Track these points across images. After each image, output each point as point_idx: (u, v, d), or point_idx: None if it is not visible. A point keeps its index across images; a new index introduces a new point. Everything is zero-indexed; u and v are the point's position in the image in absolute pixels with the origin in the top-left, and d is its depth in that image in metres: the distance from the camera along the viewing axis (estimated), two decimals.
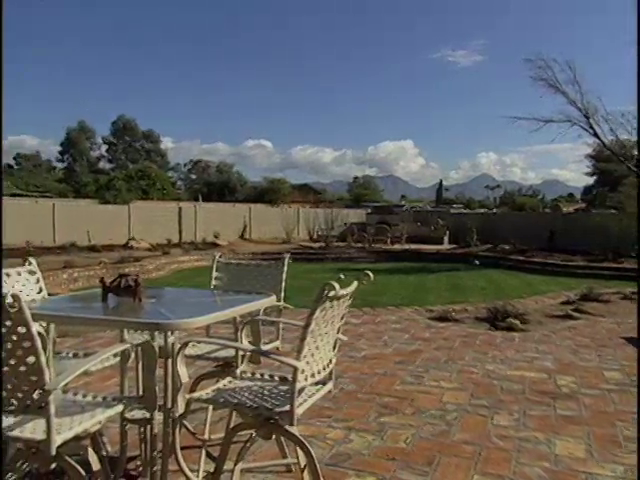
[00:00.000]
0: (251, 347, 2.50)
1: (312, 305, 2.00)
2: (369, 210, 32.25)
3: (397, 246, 22.61)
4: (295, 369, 2.02)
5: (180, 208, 24.70)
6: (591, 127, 16.54)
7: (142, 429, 2.74)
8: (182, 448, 2.61)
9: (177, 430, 2.45)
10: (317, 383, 2.32)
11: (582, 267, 14.45)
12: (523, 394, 4.25)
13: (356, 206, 41.12)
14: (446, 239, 23.93)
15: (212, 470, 2.73)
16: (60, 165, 64.86)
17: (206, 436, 3.03)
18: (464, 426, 3.58)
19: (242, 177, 62.12)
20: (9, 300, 1.66)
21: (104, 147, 65.83)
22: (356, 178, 77.12)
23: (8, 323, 1.73)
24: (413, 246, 22.00)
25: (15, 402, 1.84)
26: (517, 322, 6.76)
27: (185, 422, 2.92)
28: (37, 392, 1.80)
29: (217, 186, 56.31)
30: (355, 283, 2.23)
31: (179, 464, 2.52)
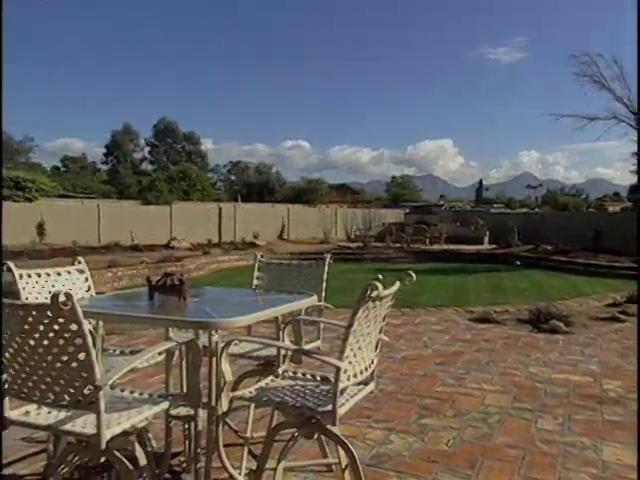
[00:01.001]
0: (294, 346, 2.52)
1: (355, 305, 2.00)
2: (407, 210, 32.03)
3: (436, 246, 22.38)
4: (338, 369, 2.03)
5: (220, 209, 25.03)
6: (638, 124, 16.04)
7: (186, 426, 2.79)
8: (224, 445, 2.65)
9: (220, 428, 2.49)
10: (359, 383, 2.32)
11: (629, 268, 14.00)
12: (568, 398, 4.16)
13: (394, 206, 40.89)
14: (486, 239, 23.56)
15: (254, 468, 2.77)
16: (105, 167, 66.62)
17: (248, 434, 3.07)
18: (507, 429, 3.52)
19: (281, 177, 62.53)
20: (62, 298, 1.72)
21: (147, 149, 67.32)
22: (394, 178, 76.65)
23: (61, 320, 1.79)
24: (452, 246, 21.74)
25: (67, 397, 1.90)
26: (561, 324, 6.61)
27: (227, 420, 2.96)
28: (88, 388, 1.86)
29: (256, 187, 56.83)
30: (397, 283, 2.22)
31: (222, 461, 2.56)
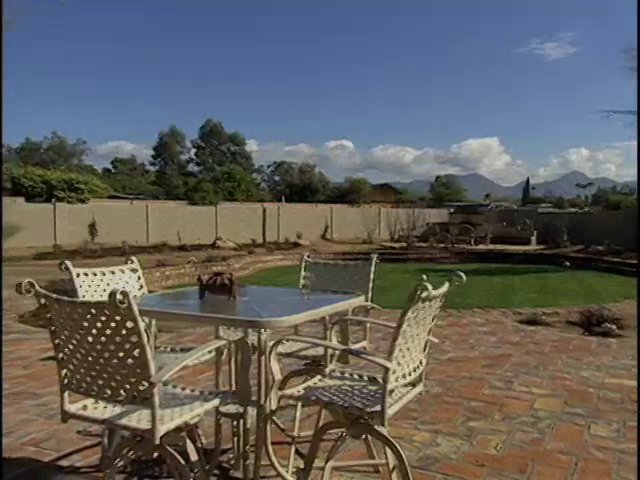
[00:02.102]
0: (342, 346, 2.52)
1: (404, 305, 1.99)
2: (452, 210, 31.61)
3: (481, 246, 22.02)
4: (386, 370, 2.02)
5: (264, 209, 25.26)
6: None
7: (235, 423, 2.83)
8: (272, 443, 2.68)
9: (268, 425, 2.52)
10: (407, 385, 2.31)
11: None
12: (622, 404, 4.02)
13: (438, 206, 40.43)
14: (533, 239, 23.04)
15: (301, 466, 2.79)
16: (153, 168, 68.23)
17: (295, 433, 3.09)
18: (558, 435, 3.43)
19: (324, 178, 62.66)
20: (119, 297, 1.77)
21: (193, 150, 68.58)
22: (438, 177, 75.74)
23: (117, 318, 1.85)
24: (498, 246, 21.36)
25: (123, 393, 1.96)
26: (614, 327, 6.40)
27: (274, 418, 2.99)
28: (143, 384, 1.91)
29: (299, 187, 57.15)
30: (446, 284, 2.20)
31: (270, 459, 2.59)
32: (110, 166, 69.33)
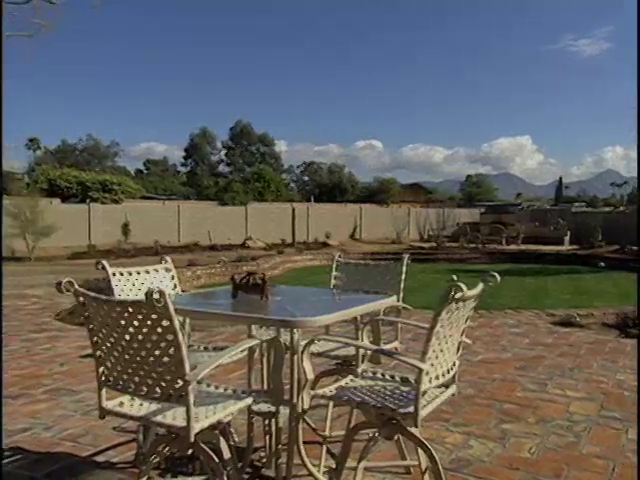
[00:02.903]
0: (374, 347, 2.52)
1: (438, 306, 1.98)
2: (483, 209, 31.25)
3: (513, 246, 21.72)
4: (420, 370, 2.02)
5: (294, 209, 25.37)
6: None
7: (267, 422, 2.85)
8: (303, 443, 2.69)
9: (300, 425, 2.53)
10: (440, 386, 2.29)
11: None
12: None
13: (469, 205, 40.00)
14: (567, 239, 22.62)
15: (332, 466, 2.80)
16: (184, 169, 69.14)
17: (326, 432, 3.09)
18: (594, 439, 3.37)
19: (353, 178, 62.59)
20: (155, 295, 1.80)
21: (223, 151, 69.26)
22: (469, 176, 74.89)
23: (154, 317, 1.88)
24: (530, 247, 21.03)
25: (158, 390, 1.99)
26: None
27: (306, 417, 3.00)
28: (178, 382, 1.94)
29: (328, 187, 57.21)
30: (480, 285, 2.18)
31: (302, 458, 2.60)
32: (142, 167, 70.49)
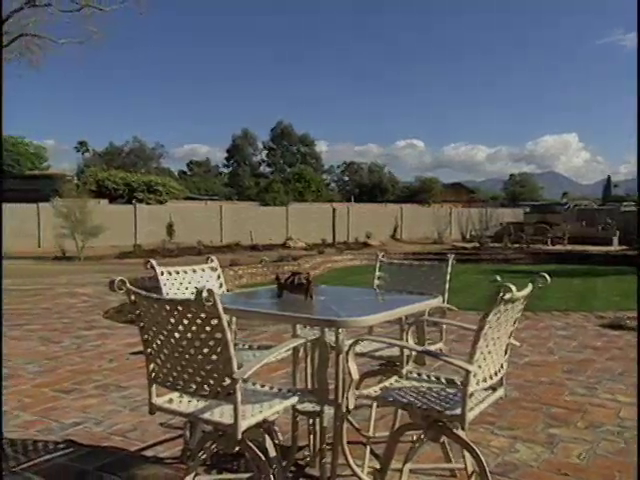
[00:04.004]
0: (421, 348, 2.50)
1: (486, 307, 1.95)
2: (527, 209, 30.60)
3: (559, 247, 21.18)
4: (467, 372, 1.99)
5: (334, 209, 25.40)
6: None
7: (311, 421, 2.86)
8: (347, 443, 2.68)
9: (344, 425, 2.53)
10: (487, 388, 2.26)
11: None
12: None
13: (512, 205, 39.25)
14: (615, 240, 21.93)
15: (376, 467, 2.79)
16: (226, 170, 70.13)
17: (370, 433, 3.09)
18: None
19: (393, 177, 62.21)
20: (205, 294, 1.84)
21: (264, 152, 69.93)
22: (512, 175, 73.47)
23: (203, 315, 1.91)
24: (577, 247, 20.46)
25: (207, 388, 2.03)
26: None
27: (349, 417, 3.01)
28: (226, 380, 1.97)
29: (369, 187, 57.03)
30: (530, 286, 2.14)
31: (346, 458, 2.60)
32: (186, 168, 71.83)
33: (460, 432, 2.16)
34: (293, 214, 26.55)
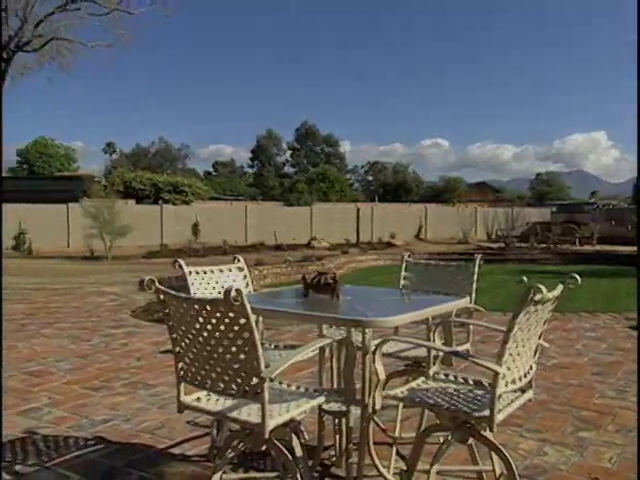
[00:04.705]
0: (449, 348, 2.49)
1: (516, 308, 1.93)
2: (554, 208, 30.18)
3: (587, 247, 20.84)
4: (496, 374, 1.97)
5: (358, 209, 25.36)
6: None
7: (337, 421, 2.86)
8: (373, 443, 2.68)
9: (370, 425, 2.53)
10: (515, 390, 2.24)
11: None
12: None
13: (539, 204, 38.72)
14: None
15: (403, 468, 2.78)
16: (251, 170, 70.53)
17: (396, 434, 3.08)
18: None
19: (417, 177, 61.85)
20: (233, 294, 1.85)
21: (288, 152, 70.15)
22: (539, 174, 72.43)
23: (231, 315, 1.93)
24: (606, 247, 20.10)
25: (234, 387, 2.04)
26: None
27: (375, 418, 3.00)
28: (254, 379, 1.98)
29: (393, 187, 56.81)
30: (560, 286, 2.11)
31: (372, 459, 2.60)
32: (211, 169, 72.45)
33: (488, 434, 2.14)
34: (317, 214, 26.58)
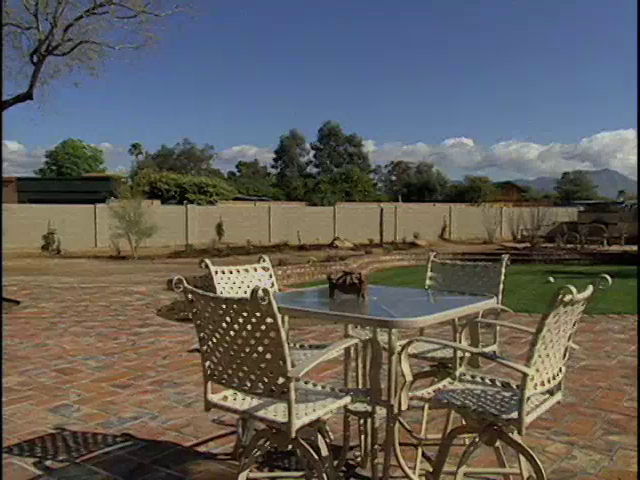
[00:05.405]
0: (476, 350, 2.47)
1: (545, 309, 1.91)
2: (581, 208, 29.66)
3: (615, 247, 20.44)
4: (524, 375, 1.95)
5: (381, 209, 25.27)
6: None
7: (362, 421, 2.86)
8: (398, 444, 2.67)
9: (396, 426, 2.52)
10: (544, 392, 2.21)
11: None
12: None
13: (566, 204, 38.11)
14: None
15: (428, 469, 2.76)
16: (274, 171, 70.76)
17: (422, 435, 3.06)
18: None
19: (442, 176, 61.37)
20: (260, 293, 1.86)
21: (312, 153, 70.20)
22: (566, 174, 71.31)
23: (258, 314, 1.94)
24: (635, 247, 19.66)
25: (261, 386, 2.05)
26: None
27: (400, 419, 2.99)
28: (280, 378, 1.99)
29: (416, 186, 56.48)
30: (590, 287, 2.07)
31: (398, 460, 2.59)
32: (235, 169, 72.89)
33: (516, 436, 2.12)
34: (340, 214, 26.56)
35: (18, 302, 8.29)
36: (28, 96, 10.35)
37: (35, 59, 10.49)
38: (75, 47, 10.96)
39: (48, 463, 2.99)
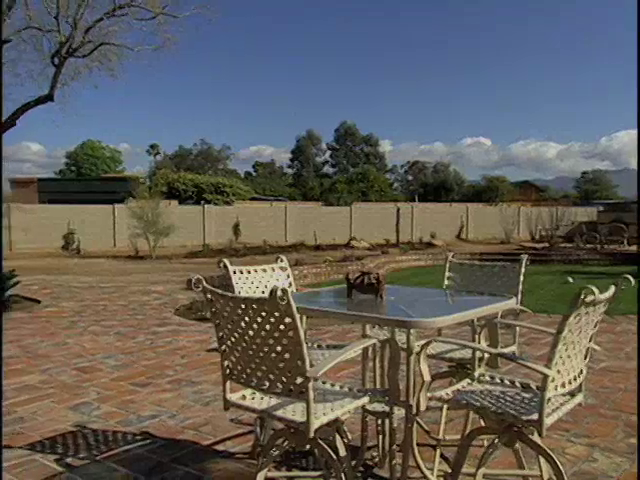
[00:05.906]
0: (496, 350, 2.45)
1: (566, 310, 1.89)
2: (601, 208, 29.30)
3: (635, 247, 20.14)
4: (545, 377, 1.93)
5: (398, 209, 25.18)
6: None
7: (380, 422, 2.85)
8: (416, 445, 2.66)
9: (414, 426, 2.51)
10: (565, 394, 2.18)
11: None
12: None
13: (585, 204, 37.66)
14: None
15: (447, 470, 2.75)
16: (290, 171, 70.86)
17: (440, 436, 3.05)
18: None
19: (459, 176, 60.97)
20: (279, 293, 1.87)
21: (328, 152, 70.17)
22: (585, 173, 70.44)
23: (277, 314, 1.95)
24: None
25: (280, 385, 2.06)
26: None
27: (419, 419, 2.97)
28: (299, 378, 1.99)
29: (433, 186, 56.20)
30: (612, 288, 2.05)
31: (416, 460, 2.58)
32: (251, 169, 73.14)
33: (536, 438, 2.10)
34: (356, 214, 26.53)
35: (39, 301, 8.41)
36: (49, 98, 10.49)
37: (56, 61, 10.63)
38: (95, 49, 11.09)
39: (69, 460, 3.03)
